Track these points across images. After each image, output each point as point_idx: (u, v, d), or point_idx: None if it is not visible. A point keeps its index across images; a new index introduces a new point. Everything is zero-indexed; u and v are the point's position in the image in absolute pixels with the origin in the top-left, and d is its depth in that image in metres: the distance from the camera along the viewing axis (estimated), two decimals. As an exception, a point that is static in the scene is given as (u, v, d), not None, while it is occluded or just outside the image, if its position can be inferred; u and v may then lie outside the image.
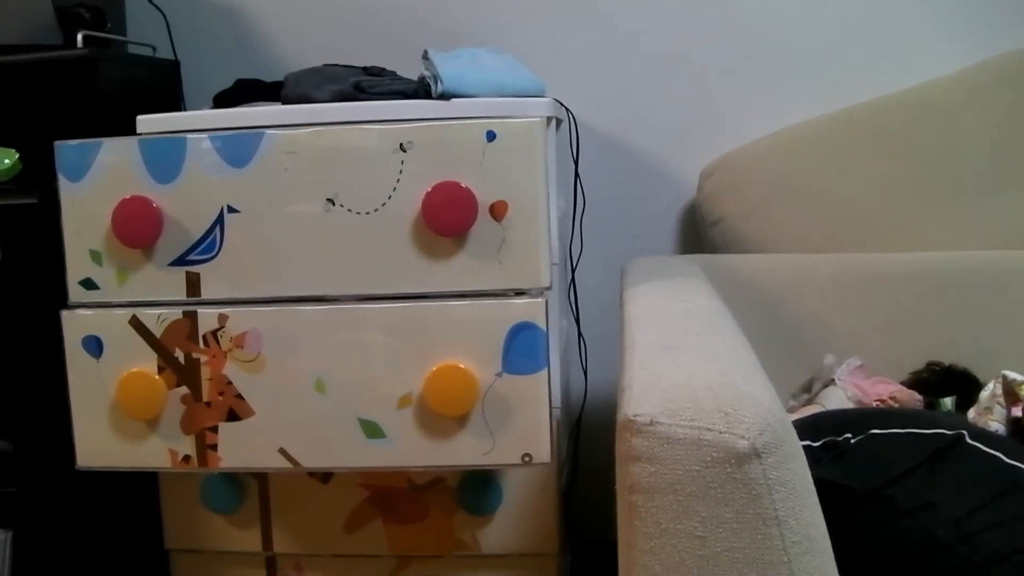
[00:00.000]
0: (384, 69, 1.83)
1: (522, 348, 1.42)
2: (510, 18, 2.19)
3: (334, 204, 1.43)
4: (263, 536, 1.74)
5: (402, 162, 1.41)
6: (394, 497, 1.70)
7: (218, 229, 1.46)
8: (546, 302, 1.43)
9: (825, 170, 2.02)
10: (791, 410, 1.70)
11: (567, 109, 1.92)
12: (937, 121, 1.98)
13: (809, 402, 1.71)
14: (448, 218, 1.40)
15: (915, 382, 1.73)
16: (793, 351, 1.83)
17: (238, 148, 1.44)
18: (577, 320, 2.10)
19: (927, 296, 1.85)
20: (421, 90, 1.68)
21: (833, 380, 1.71)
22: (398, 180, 1.42)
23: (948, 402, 1.64)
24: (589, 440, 2.14)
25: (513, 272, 1.42)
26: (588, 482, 2.06)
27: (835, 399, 1.66)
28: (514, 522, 1.70)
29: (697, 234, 2.16)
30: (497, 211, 1.41)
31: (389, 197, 1.42)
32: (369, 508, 1.71)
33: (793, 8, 2.12)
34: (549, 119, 1.65)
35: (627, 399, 0.90)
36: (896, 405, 1.63)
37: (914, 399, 1.66)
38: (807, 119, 2.06)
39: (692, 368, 0.95)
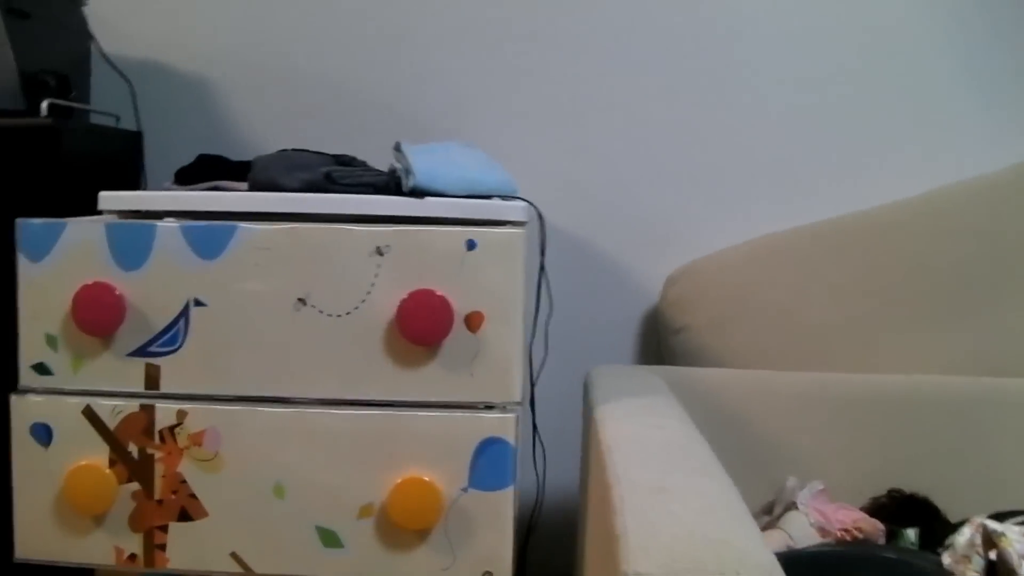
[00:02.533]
0: (355, 158, 1.79)
1: (490, 463, 1.39)
2: (480, 112, 2.18)
3: (305, 304, 1.40)
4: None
5: (378, 265, 1.38)
6: (342, 602, 1.65)
7: (182, 321, 1.41)
8: (516, 417, 1.40)
9: (789, 285, 2.01)
10: (752, 533, 1.68)
11: (536, 209, 1.90)
12: (903, 242, 1.99)
13: (771, 525, 1.69)
14: (423, 327, 1.37)
15: (876, 508, 1.72)
16: (753, 468, 1.80)
17: (209, 239, 1.41)
18: (534, 424, 2.06)
19: (889, 420, 1.84)
20: (392, 183, 1.65)
21: (795, 504, 1.69)
22: (373, 284, 1.39)
23: (911, 533, 1.63)
24: (540, 546, 2.10)
25: (485, 385, 1.40)
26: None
27: (798, 524, 1.64)
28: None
29: (658, 340, 2.14)
30: (473, 322, 1.38)
31: (363, 301, 1.39)
32: (316, 612, 1.65)
33: (764, 121, 2.13)
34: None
35: (624, 551, 0.87)
36: (860, 535, 1.61)
37: (877, 529, 1.64)
38: (773, 232, 2.06)
39: (689, 520, 0.93)
